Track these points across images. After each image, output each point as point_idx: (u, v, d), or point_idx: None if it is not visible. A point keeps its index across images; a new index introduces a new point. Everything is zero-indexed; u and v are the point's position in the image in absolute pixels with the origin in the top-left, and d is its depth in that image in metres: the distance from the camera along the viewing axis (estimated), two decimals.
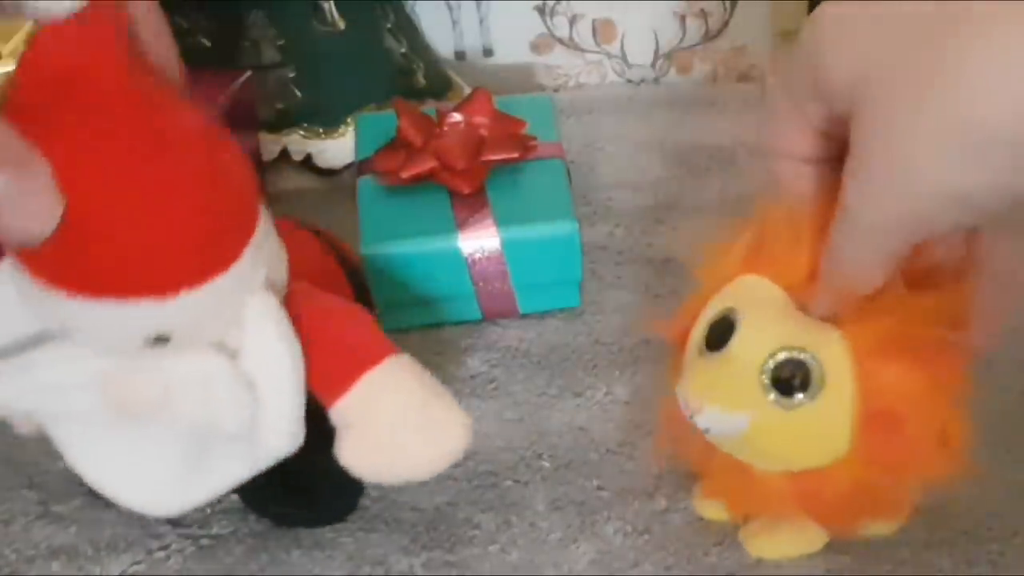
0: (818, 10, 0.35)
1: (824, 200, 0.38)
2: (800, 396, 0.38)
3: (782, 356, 0.38)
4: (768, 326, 0.39)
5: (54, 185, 0.35)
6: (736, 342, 0.39)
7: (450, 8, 0.80)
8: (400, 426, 0.43)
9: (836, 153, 0.37)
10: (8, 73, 0.61)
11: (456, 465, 0.51)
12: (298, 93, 0.72)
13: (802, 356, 0.38)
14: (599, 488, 0.50)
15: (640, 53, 0.82)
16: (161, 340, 0.39)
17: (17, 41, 0.59)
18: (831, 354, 0.38)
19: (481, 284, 0.58)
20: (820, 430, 0.39)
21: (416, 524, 0.49)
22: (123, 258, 0.37)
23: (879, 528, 0.45)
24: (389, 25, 0.75)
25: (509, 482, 0.50)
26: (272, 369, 0.41)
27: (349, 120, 0.71)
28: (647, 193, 0.69)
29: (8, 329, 0.40)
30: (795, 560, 0.46)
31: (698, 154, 0.72)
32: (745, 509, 0.45)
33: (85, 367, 0.40)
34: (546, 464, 0.51)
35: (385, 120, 0.63)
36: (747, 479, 0.42)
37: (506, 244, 0.57)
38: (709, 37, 0.82)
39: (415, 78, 0.75)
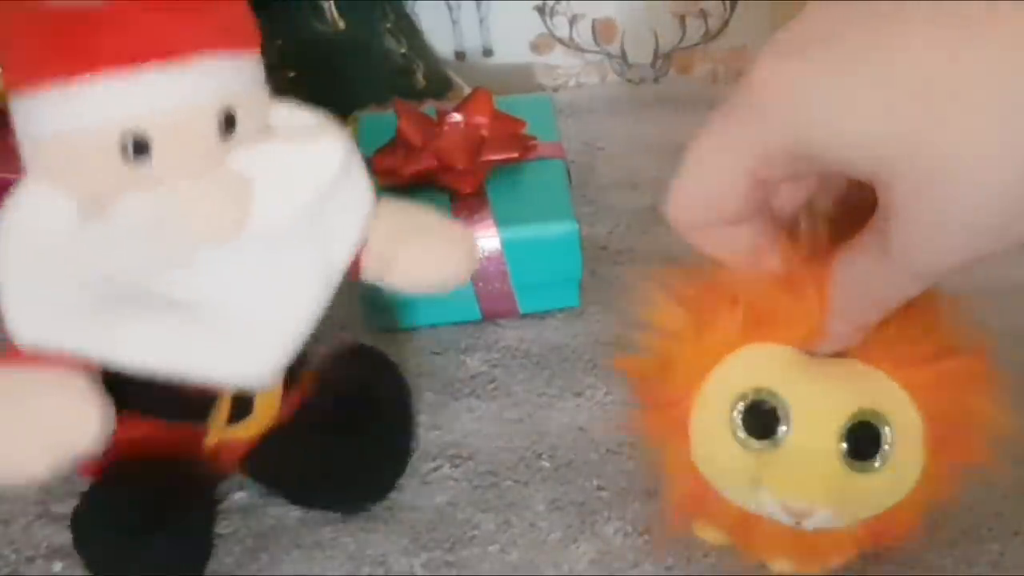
0: (767, 77, 0.32)
1: (768, 254, 0.37)
2: (879, 456, 0.38)
3: (853, 427, 0.37)
4: (822, 398, 0.38)
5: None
6: (797, 428, 0.38)
7: (450, 8, 0.80)
8: (431, 228, 0.48)
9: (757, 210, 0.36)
10: None
11: (456, 465, 0.51)
12: (298, 94, 0.71)
13: (871, 419, 0.38)
14: (599, 488, 0.50)
15: (640, 53, 0.82)
16: (228, 125, 0.41)
17: None
18: (893, 403, 0.38)
19: (481, 284, 0.58)
20: (898, 482, 0.39)
21: (416, 524, 0.49)
22: (191, 12, 0.40)
23: None
24: (389, 25, 0.75)
25: (509, 482, 0.50)
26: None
27: (349, 120, 0.71)
28: (647, 193, 0.69)
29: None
30: None
31: None
32: (809, 561, 0.43)
33: (165, 199, 0.40)
34: (546, 464, 0.51)
35: (385, 120, 0.63)
36: (808, 537, 0.40)
37: (506, 244, 0.57)
38: (709, 37, 0.82)
39: (415, 78, 0.75)
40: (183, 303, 0.42)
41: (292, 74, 0.71)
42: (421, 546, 0.48)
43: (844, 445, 0.38)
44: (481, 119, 0.61)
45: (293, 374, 0.48)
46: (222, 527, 0.49)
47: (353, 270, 0.46)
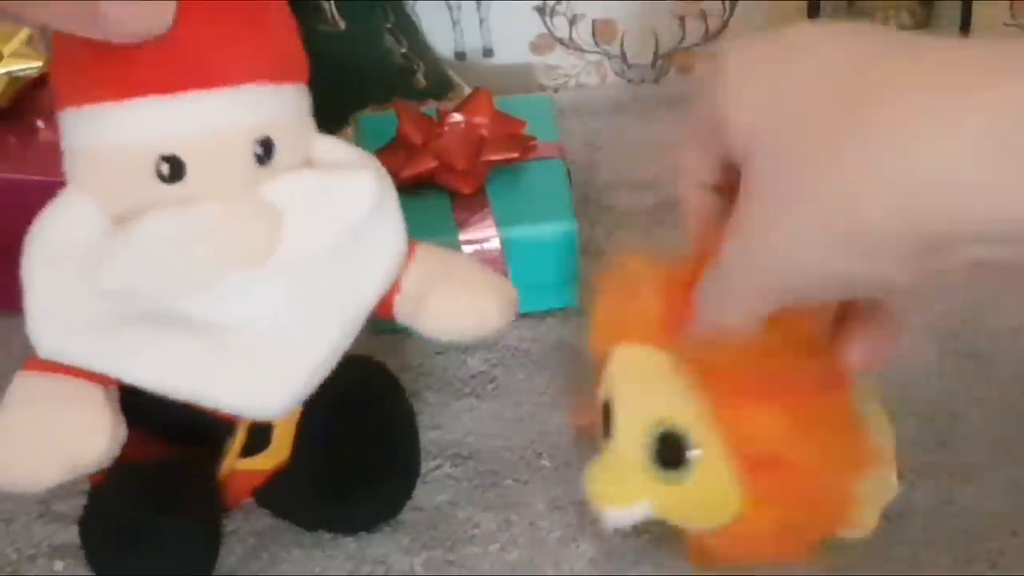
0: (728, 48, 0.34)
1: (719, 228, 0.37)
2: (681, 465, 0.39)
3: (656, 434, 0.39)
4: (635, 405, 0.40)
5: None
6: (616, 429, 0.40)
7: (450, 8, 0.80)
8: (467, 276, 0.48)
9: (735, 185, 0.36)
10: (9, 73, 0.61)
11: (456, 465, 0.51)
12: None
13: (673, 428, 0.38)
14: None
15: (640, 53, 0.82)
16: (266, 153, 0.42)
17: (17, 42, 0.59)
18: (696, 413, 0.38)
19: None
20: (711, 488, 0.39)
21: (416, 524, 0.49)
22: (232, 39, 0.41)
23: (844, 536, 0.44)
24: (389, 25, 0.75)
25: (509, 481, 0.51)
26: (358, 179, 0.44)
27: (349, 120, 0.71)
28: (647, 193, 0.69)
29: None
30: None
31: None
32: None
33: (195, 219, 0.40)
34: (546, 464, 0.51)
35: (385, 120, 0.63)
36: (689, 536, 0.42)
37: (506, 244, 0.57)
38: (709, 37, 0.82)
39: (415, 78, 0.75)
40: (205, 326, 0.42)
41: None
42: (421, 545, 0.48)
43: (651, 450, 0.39)
44: (481, 119, 0.61)
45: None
46: (223, 527, 0.49)
47: (387, 310, 0.46)
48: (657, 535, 0.47)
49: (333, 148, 0.45)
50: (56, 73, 0.41)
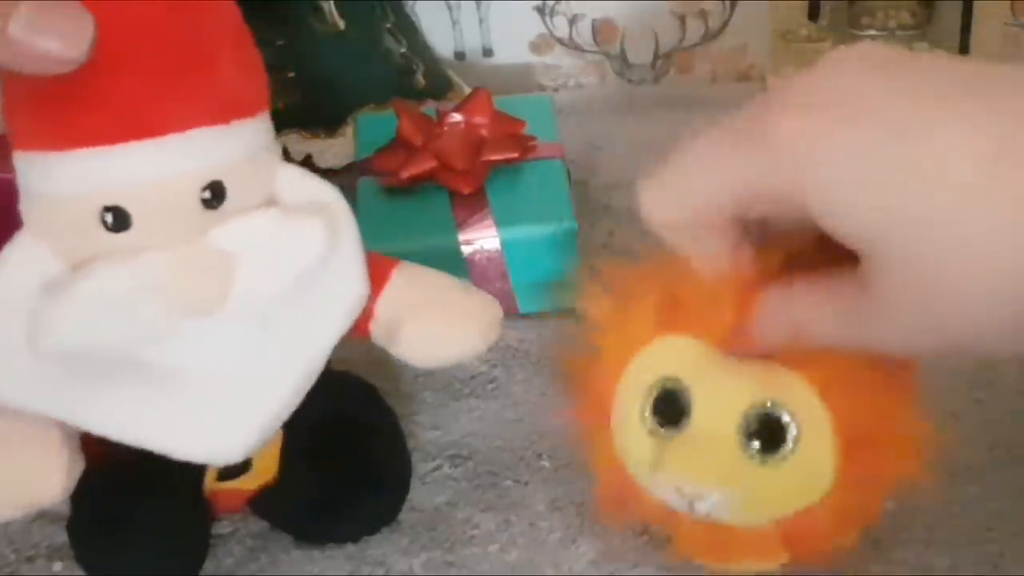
0: (790, 124, 0.31)
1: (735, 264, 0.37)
2: (782, 449, 0.38)
3: (753, 415, 0.37)
4: (725, 387, 0.38)
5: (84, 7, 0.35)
6: (698, 414, 0.38)
7: (450, 8, 0.80)
8: (446, 301, 0.46)
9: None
10: None
11: (456, 465, 0.51)
12: (298, 93, 0.72)
13: (769, 408, 0.37)
14: None
15: (640, 53, 0.82)
16: (216, 197, 0.40)
17: None
18: (797, 397, 0.37)
19: (481, 284, 0.58)
20: (807, 475, 0.38)
21: (416, 524, 0.49)
22: (172, 85, 0.39)
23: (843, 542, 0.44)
24: (389, 25, 0.75)
25: (509, 482, 0.50)
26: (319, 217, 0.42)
27: (349, 120, 0.71)
28: None
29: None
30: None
31: None
32: (727, 560, 0.43)
33: (142, 271, 0.39)
34: (546, 464, 0.51)
35: (385, 120, 0.63)
36: (726, 532, 0.40)
37: (506, 244, 0.57)
38: (709, 37, 0.82)
39: (415, 78, 0.75)
40: (159, 374, 0.41)
41: (292, 74, 0.71)
42: (421, 546, 0.48)
43: (744, 433, 0.37)
44: (481, 119, 0.61)
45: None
46: (222, 527, 0.49)
47: (363, 334, 0.46)
48: (657, 536, 0.47)
49: (297, 182, 0.43)
50: (6, 112, 0.40)
